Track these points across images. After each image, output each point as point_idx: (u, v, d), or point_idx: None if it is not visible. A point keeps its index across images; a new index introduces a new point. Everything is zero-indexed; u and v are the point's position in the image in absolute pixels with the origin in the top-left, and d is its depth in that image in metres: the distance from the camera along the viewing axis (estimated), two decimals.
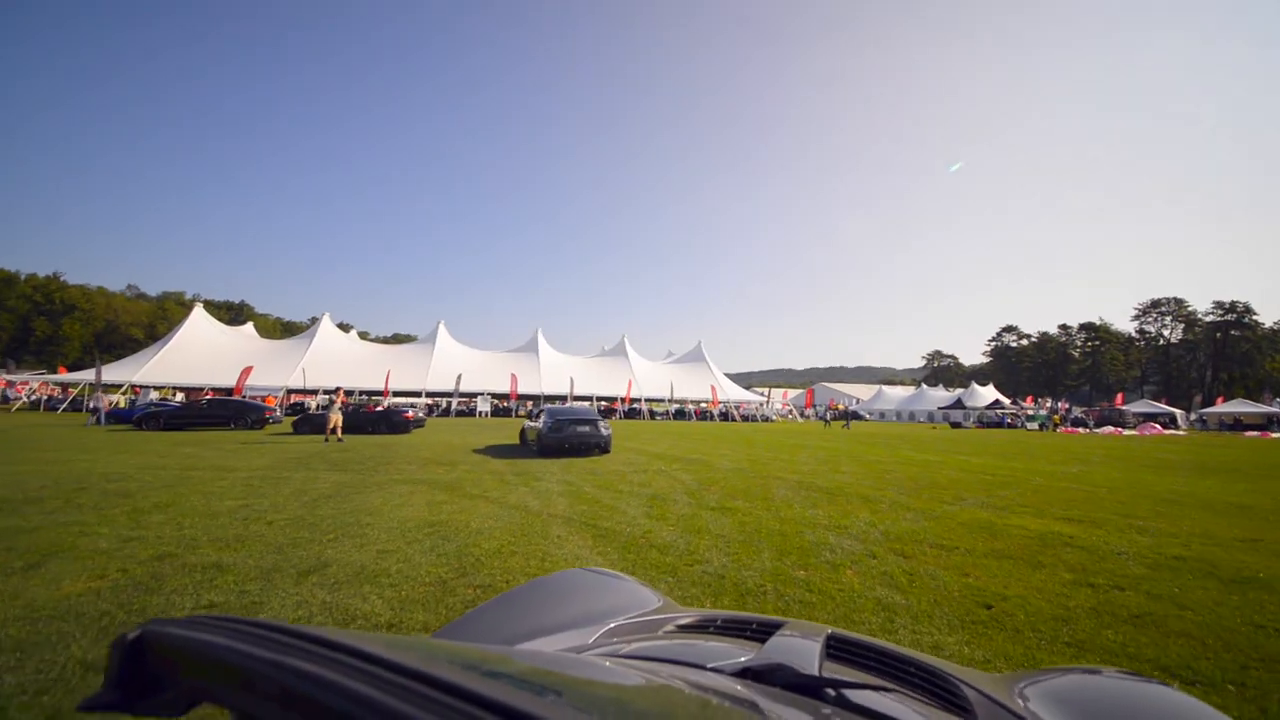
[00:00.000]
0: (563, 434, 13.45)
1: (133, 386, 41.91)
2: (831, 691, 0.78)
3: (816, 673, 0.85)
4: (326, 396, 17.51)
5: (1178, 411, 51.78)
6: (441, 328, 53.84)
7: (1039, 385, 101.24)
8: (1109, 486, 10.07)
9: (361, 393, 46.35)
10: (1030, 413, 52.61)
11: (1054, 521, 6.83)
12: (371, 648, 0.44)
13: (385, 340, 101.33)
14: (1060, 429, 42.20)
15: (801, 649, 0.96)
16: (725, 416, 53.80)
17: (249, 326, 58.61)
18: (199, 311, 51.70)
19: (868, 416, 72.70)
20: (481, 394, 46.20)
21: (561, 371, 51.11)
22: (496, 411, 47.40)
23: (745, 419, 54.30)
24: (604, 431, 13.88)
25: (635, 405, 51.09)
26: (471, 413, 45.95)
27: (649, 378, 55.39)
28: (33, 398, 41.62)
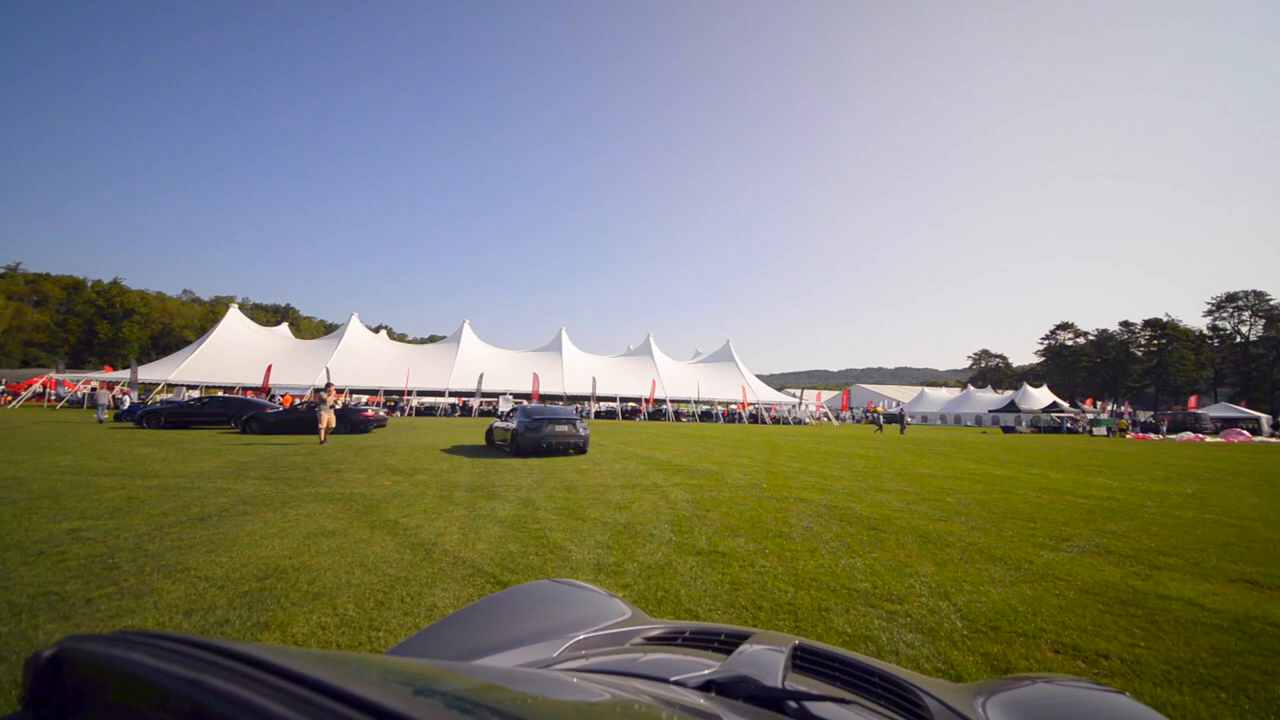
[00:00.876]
0: (540, 434, 12.78)
1: (166, 385, 42.30)
2: (794, 704, 0.77)
3: (780, 684, 0.84)
4: (319, 395, 15.41)
5: (1263, 416, 45.80)
6: (466, 327, 52.99)
7: (1097, 387, 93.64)
8: (1260, 518, 7.30)
9: (385, 391, 45.89)
10: (1092, 416, 47.66)
11: (1232, 587, 4.32)
12: (299, 666, 0.41)
13: (422, 342, 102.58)
14: (1128, 434, 37.65)
15: (766, 660, 0.95)
16: (755, 419, 50.97)
17: (284, 327, 59.30)
18: (234, 313, 52.42)
19: (910, 419, 68.20)
20: (503, 394, 44.92)
21: (585, 371, 49.42)
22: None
23: (776, 421, 51.28)
24: (582, 432, 13.42)
25: (660, 406, 48.87)
26: (493, 413, 44.69)
27: (675, 378, 53.10)
28: (77, 396, 42.69)
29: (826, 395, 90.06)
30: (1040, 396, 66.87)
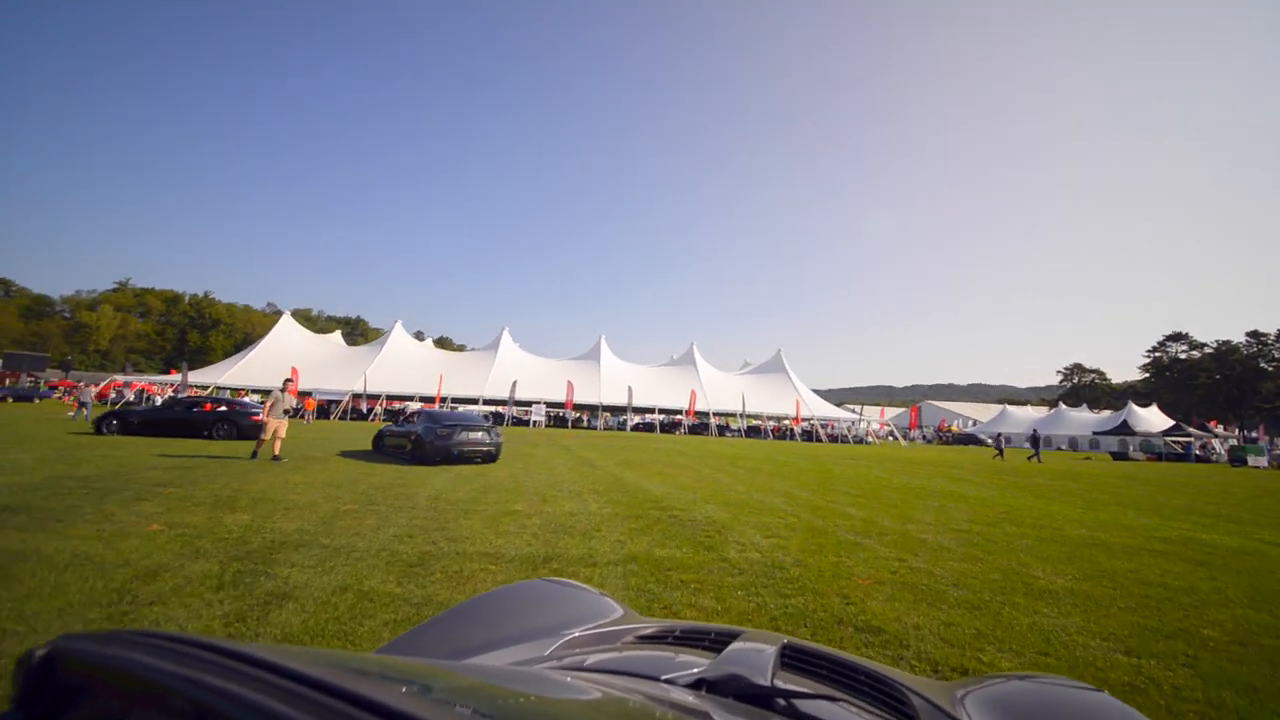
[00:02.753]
0: (451, 441, 11.86)
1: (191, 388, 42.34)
2: (782, 701, 0.78)
3: (769, 682, 0.84)
4: (285, 394, 12.68)
5: None
6: (505, 334, 50.88)
7: (1217, 406, 79.56)
8: None
9: (419, 398, 44.20)
10: (1234, 443, 38.44)
11: None
12: (292, 664, 0.40)
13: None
14: None
15: (756, 659, 0.95)
16: (809, 435, 45.25)
17: (336, 335, 59.71)
18: (286, 319, 52.96)
19: (988, 441, 59.55)
20: (537, 402, 42.04)
21: (623, 381, 45.76)
22: (552, 421, 43.04)
23: (834, 440, 45.32)
24: (495, 439, 12.68)
25: (703, 419, 44.29)
26: (526, 422, 41.86)
27: (720, 389, 48.36)
28: (129, 397, 43.70)
29: (891, 412, 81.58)
30: (1150, 417, 56.62)
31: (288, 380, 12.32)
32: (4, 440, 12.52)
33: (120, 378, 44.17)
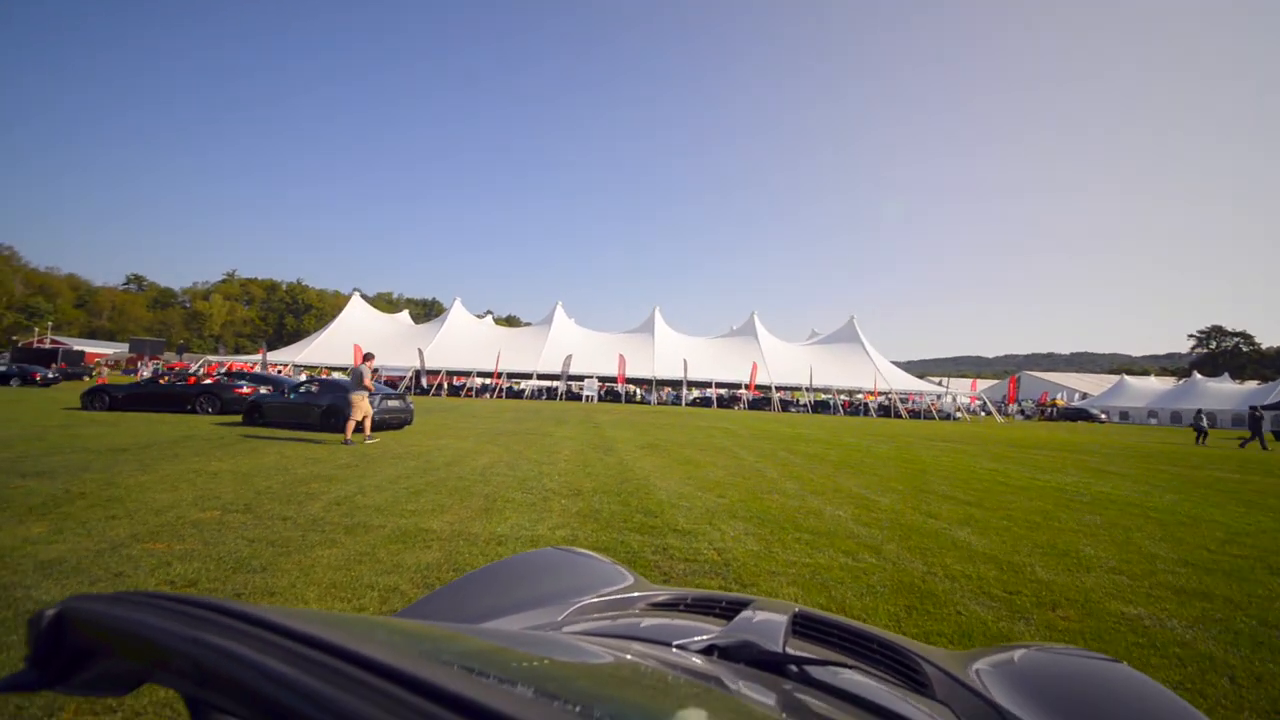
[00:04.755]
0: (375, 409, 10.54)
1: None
2: (794, 668, 0.78)
3: (780, 649, 0.83)
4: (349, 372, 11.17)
5: None
6: (559, 309, 49.38)
7: None
8: None
9: (477, 374, 43.81)
10: None
11: None
12: (298, 625, 0.40)
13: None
14: None
15: (767, 626, 0.94)
16: (886, 411, 40.33)
17: (404, 314, 61.11)
18: (356, 300, 54.63)
19: (1103, 417, 51.05)
20: (590, 376, 40.22)
21: (678, 353, 42.86)
22: (606, 396, 41.14)
23: (916, 416, 40.09)
24: (408, 405, 12.42)
25: (765, 393, 40.59)
26: (578, 396, 40.26)
27: (784, 361, 44.20)
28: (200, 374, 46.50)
29: (983, 385, 72.72)
30: None
31: (368, 355, 10.66)
32: None
33: (215, 359, 47.34)
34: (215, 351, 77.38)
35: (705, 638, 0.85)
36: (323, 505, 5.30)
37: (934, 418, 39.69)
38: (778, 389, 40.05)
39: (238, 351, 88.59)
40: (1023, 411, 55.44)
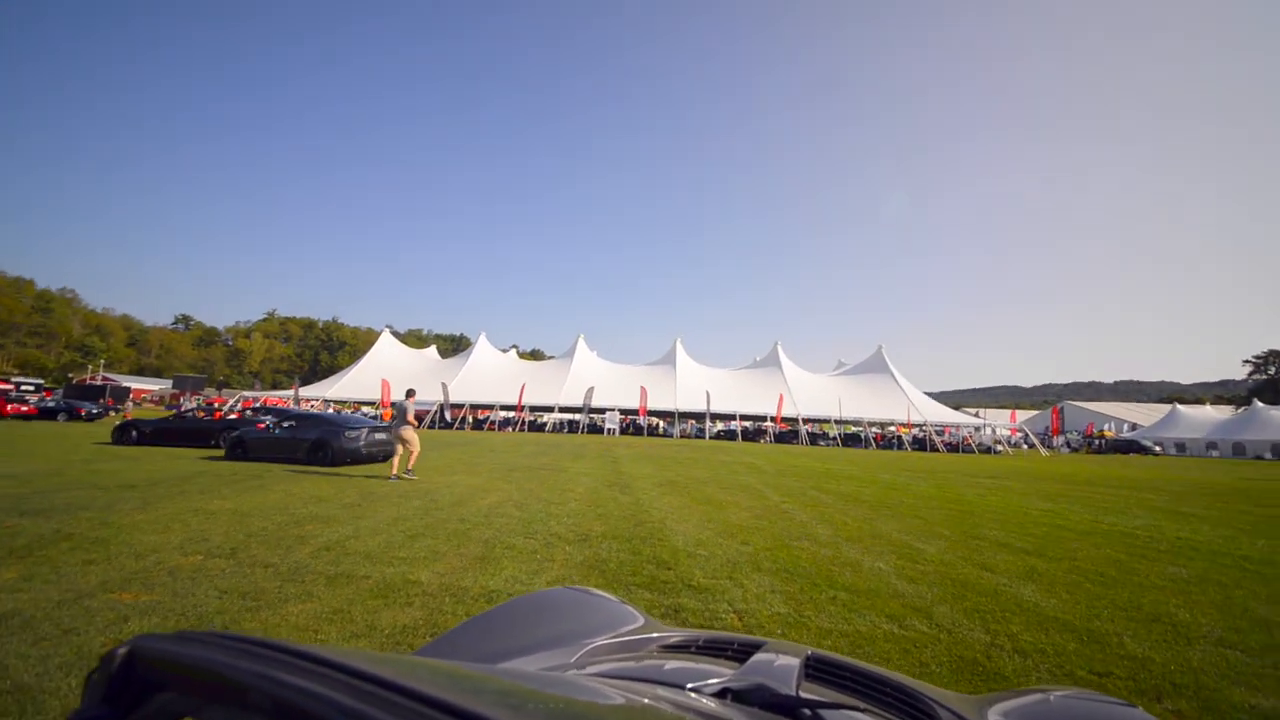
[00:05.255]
0: (360, 443, 11.74)
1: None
2: (808, 711, 0.76)
3: (794, 692, 0.83)
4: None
5: None
6: (581, 342, 49.56)
7: None
8: None
9: (500, 407, 43.85)
10: None
11: None
12: (355, 663, 0.42)
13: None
14: None
15: (780, 669, 0.94)
16: (921, 444, 38.54)
17: (431, 349, 62.34)
18: (386, 337, 56.01)
19: (1157, 450, 47.75)
20: (611, 409, 39.78)
21: (700, 385, 42.18)
22: (628, 429, 40.50)
23: (953, 449, 38.20)
24: (392, 438, 10.60)
25: (792, 426, 39.36)
26: (600, 429, 39.74)
27: (811, 392, 43.03)
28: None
29: (1022, 415, 69.36)
30: None
31: (410, 390, 10.68)
32: (26, 451, 12.10)
33: (250, 394, 48.79)
34: (252, 387, 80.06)
35: (719, 680, 0.84)
36: (311, 550, 4.93)
37: (972, 451, 37.70)
38: (805, 421, 38.83)
39: (274, 387, 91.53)
40: (1068, 444, 52.34)
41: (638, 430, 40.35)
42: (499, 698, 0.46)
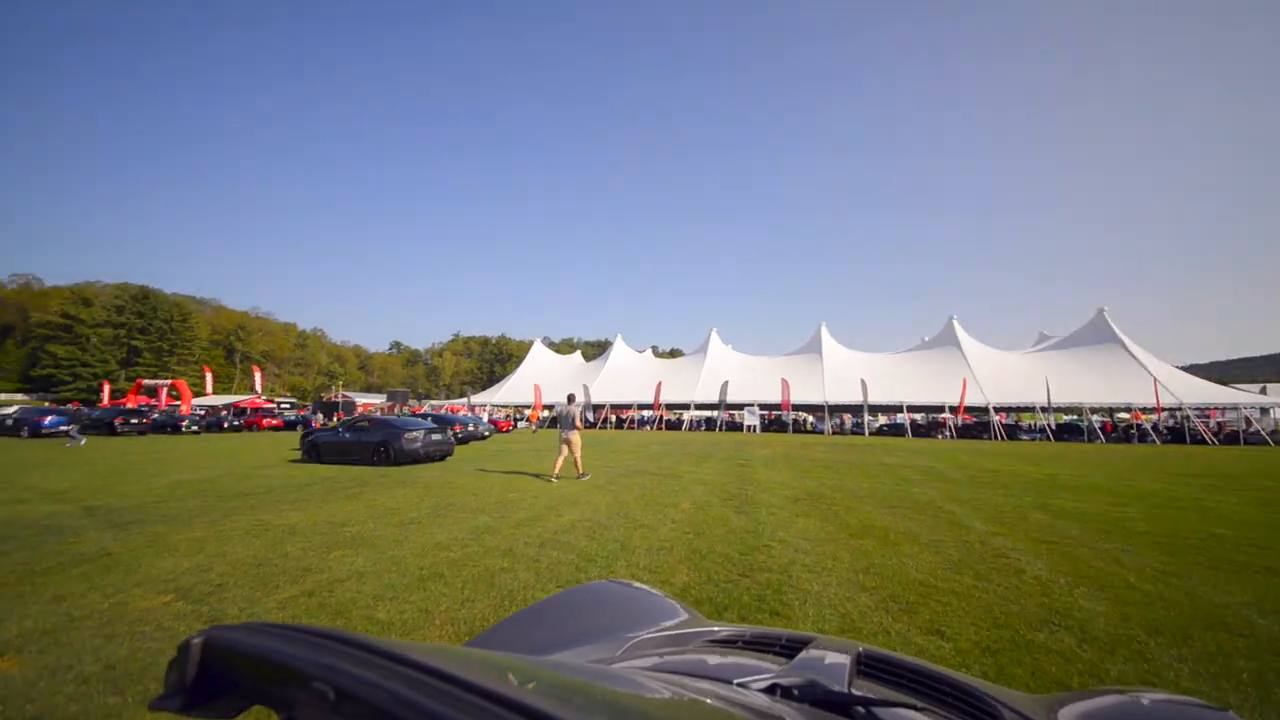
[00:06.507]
0: (420, 443, 12.48)
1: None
2: (862, 709, 0.73)
3: (846, 689, 0.81)
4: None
5: None
6: (713, 335, 47.18)
7: None
8: None
9: (638, 405, 43.61)
10: None
11: None
12: (411, 654, 0.44)
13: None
14: None
15: (831, 665, 0.91)
16: (1178, 434, 28.47)
17: (577, 355, 65.64)
18: (537, 346, 60.20)
19: None
20: (750, 404, 36.70)
21: (854, 373, 36.76)
22: (770, 425, 36.98)
23: (1233, 440, 27.45)
24: (449, 439, 13.66)
25: (979, 416, 32.05)
26: (739, 426, 36.93)
27: (1001, 375, 34.70)
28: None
29: None
30: None
31: (571, 395, 10.74)
32: (229, 454, 13.93)
33: (434, 403, 56.16)
34: (441, 398, 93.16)
35: (767, 676, 0.81)
36: (295, 592, 3.73)
37: (1265, 442, 26.52)
38: (997, 410, 31.30)
39: (460, 396, 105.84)
40: None
41: (781, 427, 36.63)
42: (547, 689, 0.47)
